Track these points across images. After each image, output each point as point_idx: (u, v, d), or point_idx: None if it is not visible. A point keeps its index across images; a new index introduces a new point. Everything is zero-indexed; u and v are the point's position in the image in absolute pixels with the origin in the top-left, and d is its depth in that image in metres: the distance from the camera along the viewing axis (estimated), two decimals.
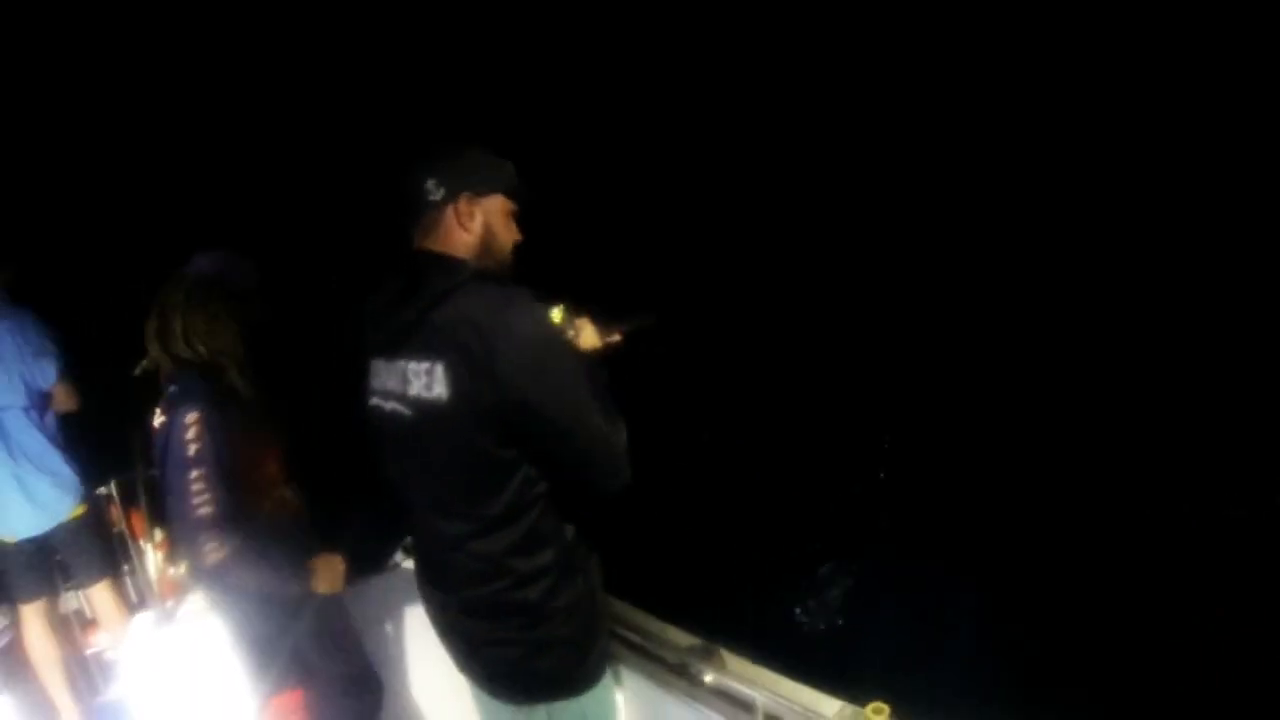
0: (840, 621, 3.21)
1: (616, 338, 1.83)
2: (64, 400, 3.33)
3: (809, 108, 7.43)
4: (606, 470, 1.55)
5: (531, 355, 1.46)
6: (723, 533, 4.68)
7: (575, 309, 1.74)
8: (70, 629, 3.58)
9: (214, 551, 1.91)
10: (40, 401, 3.28)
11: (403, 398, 1.59)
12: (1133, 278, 6.20)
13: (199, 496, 1.92)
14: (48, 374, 3.26)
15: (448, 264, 1.60)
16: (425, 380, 1.53)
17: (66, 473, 3.31)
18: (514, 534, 1.57)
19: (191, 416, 1.97)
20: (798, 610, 3.23)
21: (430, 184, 1.62)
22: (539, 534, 1.59)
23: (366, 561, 2.52)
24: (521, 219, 1.74)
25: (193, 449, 1.95)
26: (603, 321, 1.81)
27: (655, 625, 1.98)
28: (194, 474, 1.93)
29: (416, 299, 1.56)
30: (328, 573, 2.10)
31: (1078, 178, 6.43)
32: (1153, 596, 4.59)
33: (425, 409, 1.54)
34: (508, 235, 1.70)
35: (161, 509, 2.04)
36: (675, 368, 5.43)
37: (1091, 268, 6.38)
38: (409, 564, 2.61)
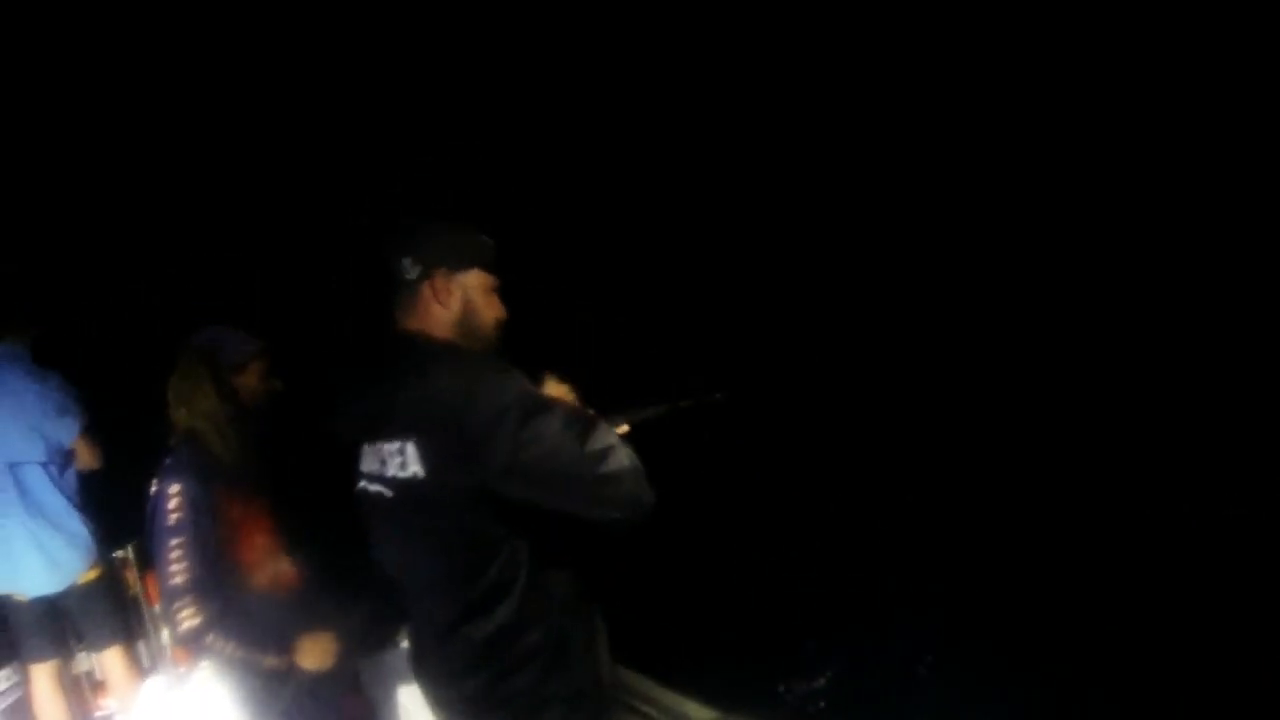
0: (822, 704, 3.17)
1: (624, 429, 1.77)
2: (85, 458, 3.33)
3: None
4: (624, 501, 1.46)
5: (504, 422, 1.40)
6: (725, 596, 4.68)
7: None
8: (81, 690, 3.56)
9: (188, 619, 1.99)
10: (60, 459, 3.27)
11: (382, 479, 1.57)
12: (1132, 280, 6.19)
13: (175, 565, 2.01)
14: (70, 431, 3.25)
15: (418, 341, 1.58)
16: (399, 460, 1.51)
17: (83, 533, 3.29)
18: (499, 616, 1.53)
19: (174, 489, 2.05)
20: (781, 689, 3.19)
21: (405, 262, 1.59)
22: (524, 615, 1.54)
23: (378, 638, 2.52)
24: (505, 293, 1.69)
25: (172, 519, 2.03)
26: (605, 410, 1.73)
27: (669, 697, 1.98)
28: (172, 543, 2.01)
29: (387, 380, 1.55)
30: (314, 650, 2.11)
31: (1077, 182, 6.39)
32: (1152, 597, 4.62)
33: (402, 488, 1.52)
34: (489, 310, 1.65)
35: None
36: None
37: (1090, 271, 6.37)
38: None
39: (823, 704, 3.36)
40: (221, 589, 2.04)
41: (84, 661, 3.56)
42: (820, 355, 6.77)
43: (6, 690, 3.44)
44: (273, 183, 6.95)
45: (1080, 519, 5.44)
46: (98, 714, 3.56)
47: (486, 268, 1.64)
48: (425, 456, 1.46)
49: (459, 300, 1.60)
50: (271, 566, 2.18)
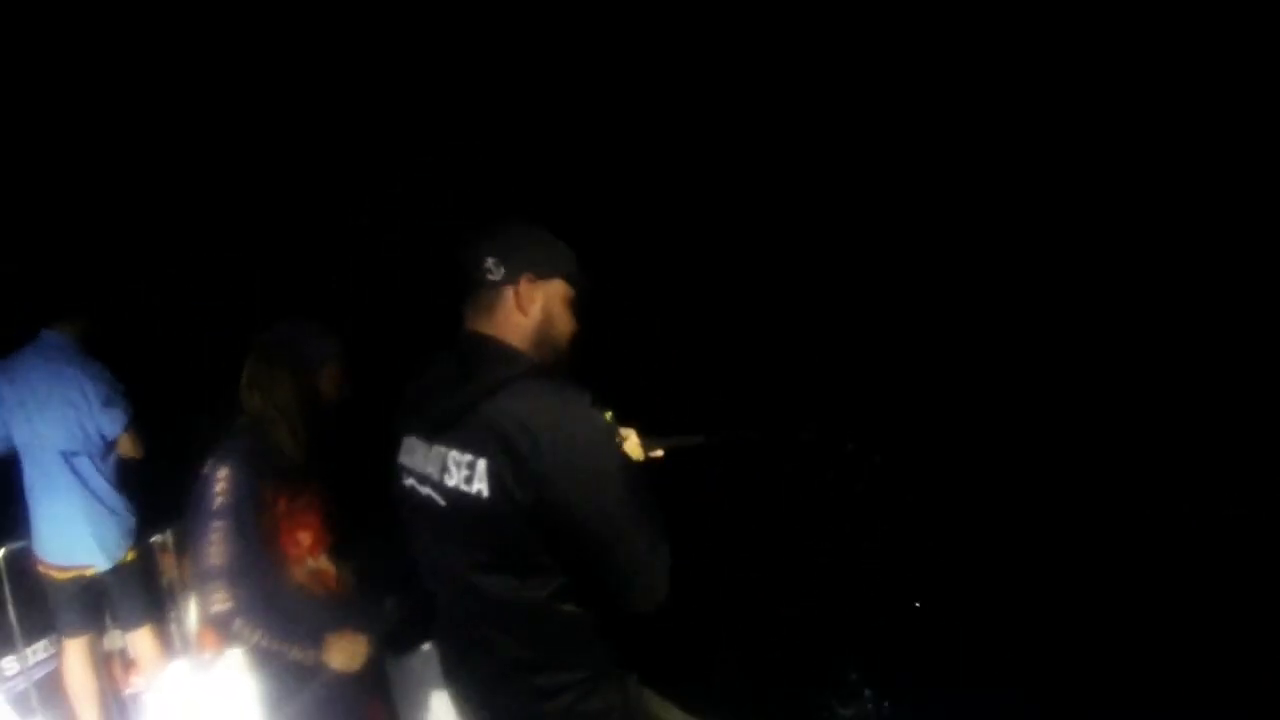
0: None
1: (659, 453, 1.79)
2: (129, 449, 3.44)
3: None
4: (643, 591, 1.47)
5: (579, 460, 1.40)
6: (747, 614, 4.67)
7: (621, 419, 1.70)
8: (112, 667, 3.66)
9: (219, 602, 2.01)
10: (103, 449, 3.38)
11: (438, 486, 1.52)
12: (1132, 279, 6.21)
13: (213, 547, 2.02)
14: (115, 424, 3.36)
15: (505, 353, 1.53)
16: (466, 474, 1.46)
17: (127, 516, 3.43)
18: (542, 638, 1.50)
19: (222, 473, 2.06)
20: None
21: (490, 262, 1.55)
22: (567, 641, 1.51)
23: (409, 640, 2.53)
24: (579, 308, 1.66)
25: (217, 502, 2.04)
26: (647, 434, 1.78)
27: None
28: (213, 525, 2.03)
29: (468, 386, 1.49)
30: (345, 650, 2.12)
31: (1077, 182, 6.42)
32: (1152, 597, 4.64)
33: (461, 502, 1.48)
34: (566, 323, 1.61)
35: None
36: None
37: (1090, 270, 6.39)
38: None
39: None
40: (256, 578, 2.05)
41: (117, 639, 3.66)
42: (837, 379, 6.77)
43: (43, 661, 3.55)
44: (273, 182, 6.95)
45: (1081, 520, 5.46)
46: (127, 691, 3.64)
47: (569, 279, 1.61)
48: (494, 477, 1.42)
49: (540, 309, 1.57)
50: (312, 563, 2.18)
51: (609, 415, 1.65)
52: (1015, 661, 4.13)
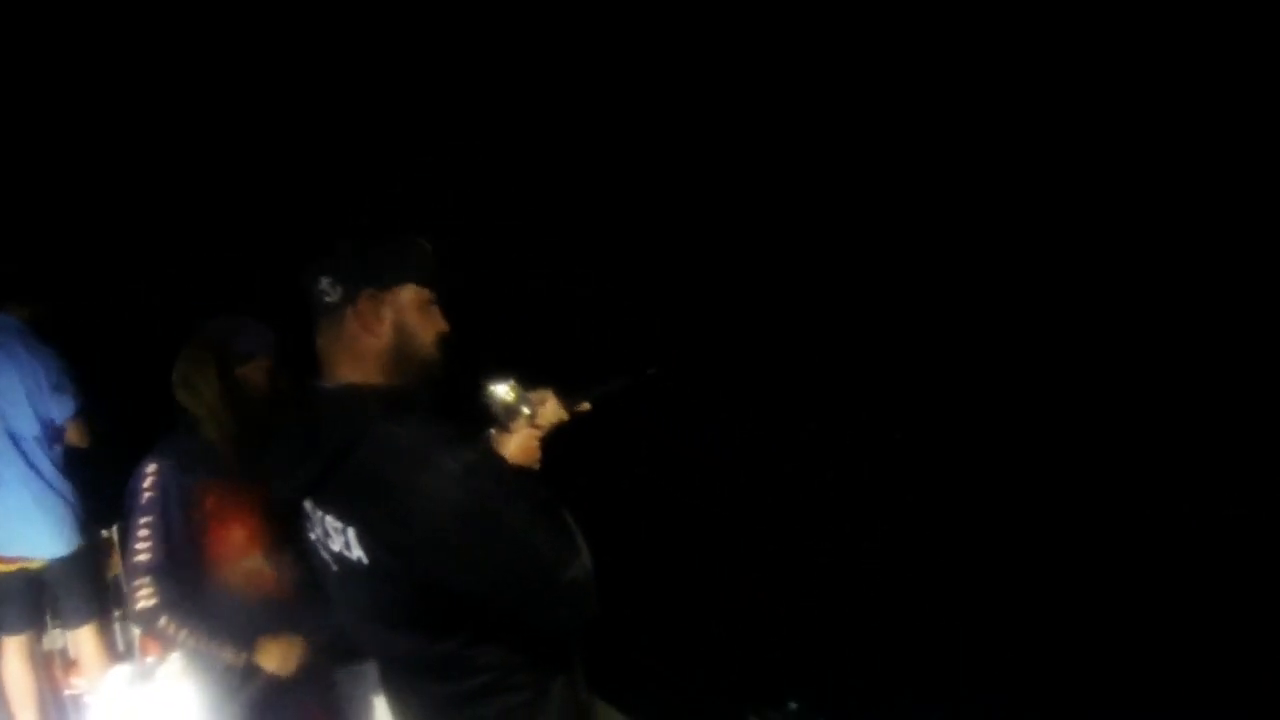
0: None
1: (585, 407, 1.66)
2: (76, 437, 3.39)
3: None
4: (566, 616, 1.35)
5: (446, 515, 1.26)
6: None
7: (531, 383, 1.57)
8: (52, 666, 3.55)
9: (145, 599, 2.01)
10: (51, 435, 3.33)
11: (328, 549, 1.43)
12: (1132, 278, 6.21)
13: (140, 543, 2.02)
14: (63, 409, 3.31)
15: (351, 400, 1.37)
16: (343, 540, 1.36)
17: (76, 506, 3.35)
18: (468, 678, 1.38)
19: (151, 468, 2.08)
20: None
21: (326, 283, 1.38)
22: (495, 678, 1.39)
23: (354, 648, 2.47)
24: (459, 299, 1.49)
25: (145, 497, 2.05)
26: (567, 391, 1.63)
27: None
28: (141, 521, 2.04)
29: (320, 448, 1.36)
30: (278, 653, 2.07)
31: (1075, 182, 6.41)
32: (1152, 597, 4.63)
33: (347, 567, 1.38)
34: (426, 329, 1.44)
35: None
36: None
37: (1089, 268, 6.38)
38: None
39: None
40: (183, 575, 2.04)
41: (58, 639, 3.54)
42: (803, 343, 6.76)
43: None
44: (272, 182, 6.96)
45: (1080, 520, 5.45)
46: (66, 693, 3.52)
47: (422, 280, 1.44)
48: (367, 545, 1.32)
49: (390, 325, 1.39)
50: (245, 563, 2.13)
51: (512, 385, 1.55)
52: (1009, 668, 4.13)
